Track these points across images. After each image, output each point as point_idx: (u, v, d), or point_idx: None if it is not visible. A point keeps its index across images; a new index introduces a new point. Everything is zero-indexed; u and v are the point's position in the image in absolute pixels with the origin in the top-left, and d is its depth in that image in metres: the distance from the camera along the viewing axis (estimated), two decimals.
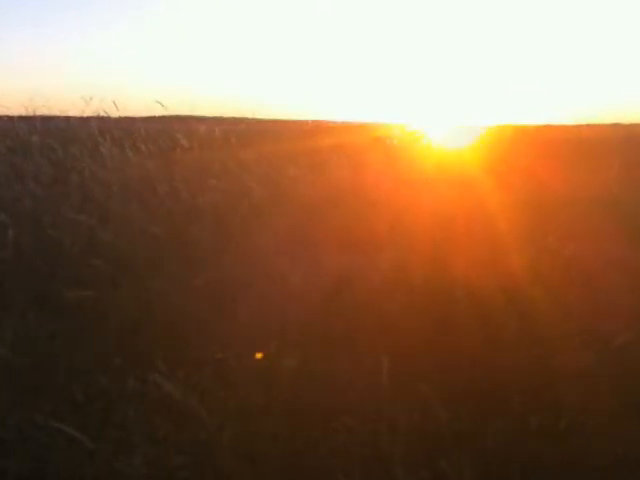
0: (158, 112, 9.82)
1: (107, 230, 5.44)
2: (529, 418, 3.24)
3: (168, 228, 5.60)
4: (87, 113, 10.46)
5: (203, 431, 3.16)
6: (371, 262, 5.03)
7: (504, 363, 3.72)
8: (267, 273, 4.88)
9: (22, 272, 5.01)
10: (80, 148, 8.18)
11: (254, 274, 4.87)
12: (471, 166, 9.04)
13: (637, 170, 8.66)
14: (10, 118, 10.58)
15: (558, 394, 3.45)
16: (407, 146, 11.85)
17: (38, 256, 5.24)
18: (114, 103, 9.63)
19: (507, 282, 4.56)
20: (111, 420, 3.30)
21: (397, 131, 13.64)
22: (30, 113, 10.96)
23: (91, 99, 10.16)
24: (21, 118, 10.70)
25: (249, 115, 14.24)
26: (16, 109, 11.20)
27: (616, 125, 20.63)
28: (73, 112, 11.31)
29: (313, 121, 17.48)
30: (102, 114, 10.13)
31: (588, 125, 19.38)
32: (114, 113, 9.94)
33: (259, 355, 3.78)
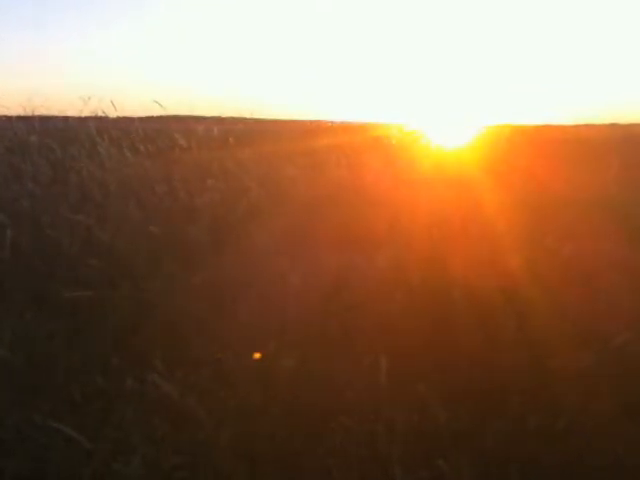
0: (156, 112, 9.84)
1: (105, 230, 5.44)
2: (528, 418, 3.24)
3: (166, 228, 5.60)
4: (85, 113, 10.50)
5: (201, 431, 3.17)
6: (370, 262, 5.03)
7: (503, 363, 3.72)
8: (266, 273, 4.89)
9: (20, 272, 5.01)
10: (78, 148, 8.20)
11: (253, 274, 4.87)
12: (470, 166, 9.04)
13: (636, 170, 8.66)
14: (8, 118, 10.60)
15: (556, 394, 3.45)
16: (406, 146, 11.86)
17: (36, 256, 5.25)
18: (112, 103, 9.65)
19: (506, 282, 4.56)
20: (109, 420, 3.30)
21: (396, 131, 13.64)
22: (28, 113, 10.99)
23: (89, 99, 10.19)
24: (19, 118, 10.72)
25: (247, 115, 14.27)
26: (14, 109, 11.23)
27: (614, 125, 20.64)
28: (71, 112, 11.35)
29: (312, 121, 17.52)
30: (100, 114, 10.17)
31: (586, 125, 19.43)
32: (112, 113, 9.97)
33: (257, 355, 3.78)
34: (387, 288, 4.59)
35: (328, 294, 4.57)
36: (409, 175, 8.18)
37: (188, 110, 13.67)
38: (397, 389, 3.40)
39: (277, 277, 4.75)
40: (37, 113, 11.07)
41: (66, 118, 11.23)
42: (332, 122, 16.40)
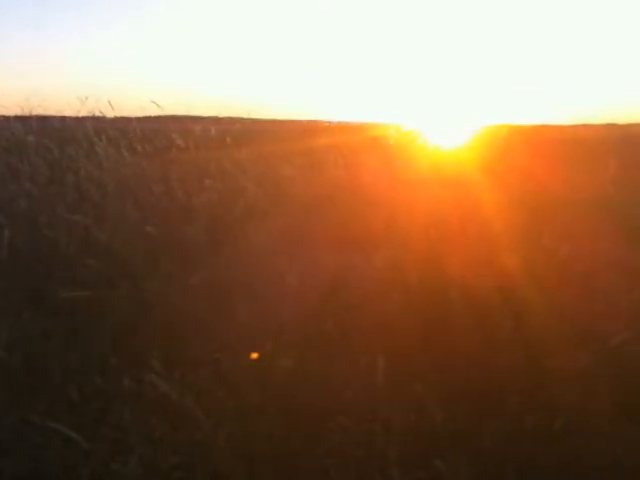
0: (154, 112, 9.83)
1: (103, 230, 5.44)
2: (525, 418, 3.24)
3: (164, 228, 5.60)
4: (83, 113, 10.48)
5: (199, 431, 3.17)
6: (367, 262, 5.03)
7: (500, 363, 3.73)
8: (263, 273, 4.89)
9: (18, 272, 5.01)
10: (76, 148, 8.18)
11: (250, 274, 4.87)
12: (467, 166, 9.04)
13: (633, 170, 8.66)
14: (6, 118, 10.59)
15: (554, 394, 3.45)
16: (403, 146, 11.85)
17: (34, 256, 5.25)
18: (109, 103, 9.65)
19: (503, 282, 4.56)
20: (107, 420, 3.30)
21: (393, 131, 13.63)
22: (26, 113, 11.00)
23: (87, 99, 10.18)
24: (17, 118, 10.70)
25: (245, 115, 14.26)
26: (12, 109, 11.22)
27: (612, 125, 20.67)
28: (69, 112, 11.34)
29: (309, 121, 17.51)
30: (98, 114, 10.15)
31: (584, 125, 19.45)
32: (110, 113, 9.97)
33: (255, 355, 3.78)
34: (384, 288, 4.59)
35: (326, 294, 4.58)
36: (407, 175, 8.17)
37: (185, 110, 13.65)
38: (394, 389, 3.40)
39: (275, 277, 4.75)
40: (34, 113, 11.08)
41: (63, 118, 11.21)
42: (329, 122, 16.41)
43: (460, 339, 3.96)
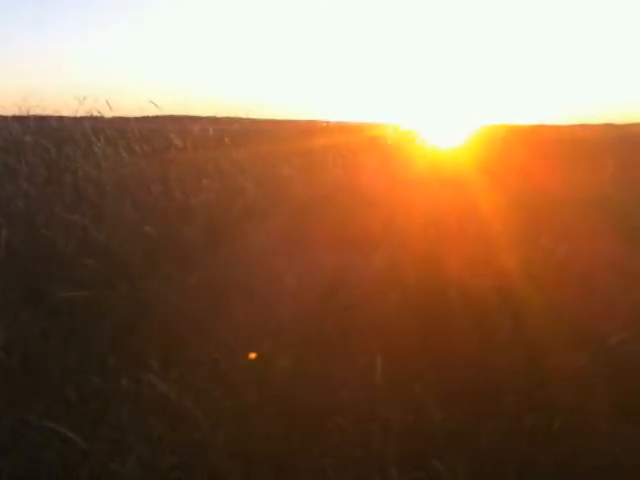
0: (152, 112, 9.81)
1: (101, 230, 5.44)
2: (523, 418, 3.24)
3: (162, 228, 5.60)
4: (80, 113, 10.47)
5: (197, 431, 3.16)
6: (365, 262, 5.03)
7: (498, 363, 3.73)
8: (262, 273, 4.89)
9: (15, 272, 5.01)
10: (74, 148, 8.18)
11: (249, 274, 4.87)
12: (465, 166, 9.04)
13: (631, 170, 8.67)
14: (3, 118, 10.58)
15: (552, 394, 3.45)
16: (402, 146, 11.84)
17: (31, 256, 5.24)
18: (107, 103, 9.64)
19: (501, 282, 4.57)
20: (105, 420, 3.30)
21: (391, 131, 13.62)
22: (24, 113, 10.97)
23: (84, 99, 10.17)
24: (15, 118, 10.69)
25: (243, 115, 14.22)
26: (10, 109, 11.20)
27: (609, 125, 20.69)
28: (66, 112, 11.31)
29: (308, 121, 17.47)
30: (95, 114, 10.13)
31: (582, 125, 19.45)
32: (108, 113, 9.95)
33: (253, 355, 3.78)
34: (383, 288, 4.59)
35: (324, 294, 4.57)
36: (405, 175, 8.17)
37: (184, 110, 13.65)
38: (393, 389, 3.40)
39: (273, 277, 4.75)
40: (32, 113, 11.06)
41: (61, 118, 11.19)
42: (328, 122, 16.35)
43: (458, 339, 3.96)
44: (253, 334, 3.96)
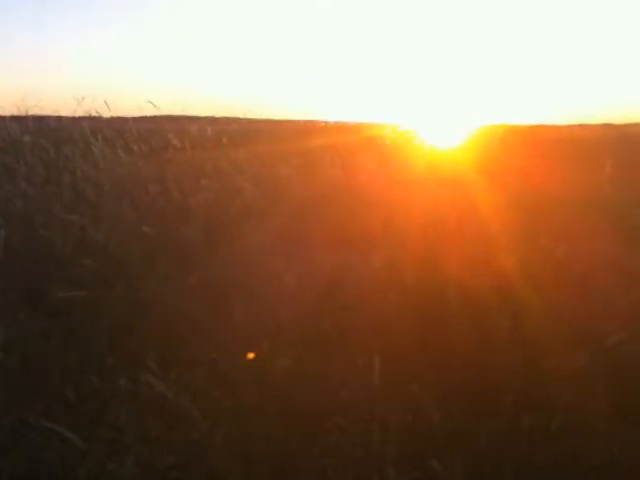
0: (150, 112, 9.82)
1: (99, 230, 5.44)
2: (522, 418, 3.24)
3: (160, 228, 5.60)
4: (79, 113, 10.48)
5: (196, 431, 3.16)
6: (364, 262, 5.03)
7: (497, 363, 3.73)
8: (260, 273, 4.88)
9: (14, 272, 5.01)
10: (72, 148, 8.18)
11: (247, 274, 4.87)
12: (463, 166, 9.03)
13: (630, 170, 8.67)
14: (2, 118, 10.57)
15: (551, 394, 3.45)
16: (400, 146, 11.83)
17: (30, 256, 5.24)
18: (106, 103, 9.64)
19: (500, 282, 4.56)
20: (103, 420, 3.30)
21: (390, 131, 13.61)
22: (22, 113, 10.98)
23: (83, 99, 10.18)
24: (13, 118, 10.69)
25: (241, 115, 14.22)
26: (8, 109, 11.21)
27: (608, 125, 20.68)
28: (65, 112, 11.32)
29: (306, 121, 17.47)
30: (94, 114, 10.15)
31: (580, 125, 19.40)
32: (106, 113, 9.95)
33: (252, 355, 3.78)
34: (381, 288, 4.59)
35: (322, 294, 4.57)
36: (403, 175, 8.17)
37: (182, 110, 13.63)
38: (391, 389, 3.40)
39: (271, 277, 4.74)
40: (31, 113, 11.07)
41: (60, 118, 11.19)
42: (326, 122, 16.33)
43: (457, 339, 3.96)
44: (251, 334, 3.95)
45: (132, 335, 4.12)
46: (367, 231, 5.64)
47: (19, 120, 10.40)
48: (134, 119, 10.76)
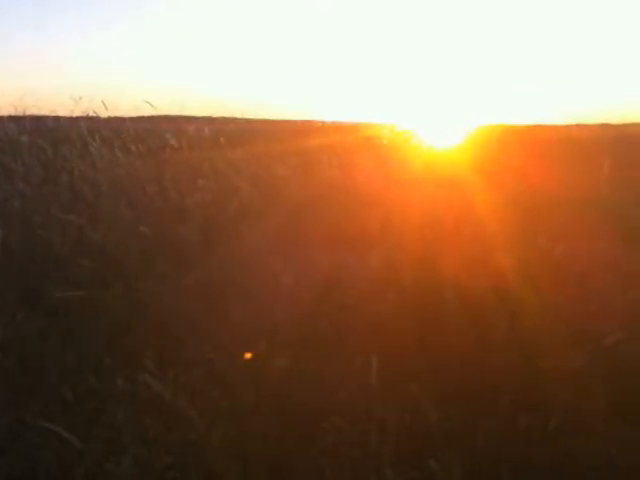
0: (147, 112, 9.81)
1: (96, 230, 5.44)
2: (519, 418, 3.24)
3: (157, 228, 5.59)
4: (77, 113, 10.47)
5: (193, 431, 3.16)
6: (361, 262, 5.03)
7: (494, 363, 3.72)
8: (257, 273, 4.88)
9: (11, 272, 5.00)
10: (69, 148, 8.18)
11: (244, 274, 4.87)
12: (461, 166, 9.03)
13: (627, 170, 8.68)
14: (0, 118, 10.56)
15: (548, 394, 3.45)
16: (397, 146, 11.82)
17: (27, 256, 5.24)
18: (103, 103, 9.63)
19: (498, 282, 4.56)
20: (101, 420, 3.30)
21: (387, 131, 13.60)
22: (20, 113, 10.98)
23: (80, 99, 10.17)
24: (11, 118, 10.68)
25: (238, 115, 14.23)
26: (6, 109, 11.21)
27: (606, 125, 20.68)
28: (62, 112, 11.32)
29: (303, 121, 17.45)
30: (91, 114, 10.14)
31: (578, 125, 19.41)
32: (103, 113, 9.95)
33: (249, 355, 3.77)
34: (379, 288, 4.59)
35: (320, 294, 4.57)
36: (401, 175, 8.16)
37: (179, 110, 13.63)
38: (389, 389, 3.40)
39: (269, 277, 4.74)
40: (28, 113, 11.07)
41: (57, 118, 11.21)
42: (323, 122, 16.31)
43: (455, 339, 3.96)
44: (249, 334, 3.95)
45: (129, 335, 4.12)
46: (364, 231, 5.64)
47: (17, 120, 10.40)
48: (131, 119, 10.75)
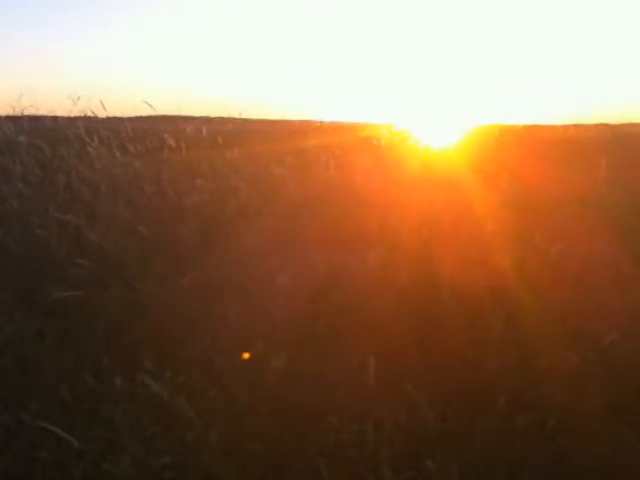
0: (145, 112, 9.79)
1: (94, 230, 5.43)
2: (516, 418, 3.25)
3: (156, 228, 5.59)
4: (74, 113, 10.44)
5: (191, 431, 3.17)
6: (359, 262, 5.03)
7: (491, 363, 3.73)
8: (255, 273, 4.88)
9: (9, 272, 5.00)
10: (67, 148, 8.17)
11: (242, 274, 4.87)
12: (459, 166, 9.03)
13: (625, 170, 8.69)
14: None
15: (545, 394, 3.46)
16: (395, 146, 11.82)
17: (25, 256, 5.24)
18: (101, 103, 9.62)
19: (495, 282, 4.57)
20: (99, 420, 3.30)
21: (385, 131, 13.59)
22: (18, 113, 10.95)
23: (78, 99, 10.14)
24: (8, 118, 10.67)
25: (236, 115, 14.18)
26: (3, 109, 11.20)
27: (603, 125, 20.67)
28: (60, 112, 11.31)
29: (301, 121, 17.45)
30: (89, 114, 10.11)
31: (575, 125, 19.40)
32: (101, 113, 9.92)
33: (247, 355, 3.78)
34: (376, 288, 4.59)
35: (317, 294, 4.58)
36: (398, 175, 8.16)
37: (177, 110, 13.62)
38: (386, 389, 3.41)
39: (267, 277, 4.74)
40: (26, 113, 11.04)
41: (55, 118, 11.19)
42: (321, 122, 16.30)
43: (452, 339, 3.96)
44: (247, 334, 3.96)
45: (128, 335, 4.12)
46: (362, 231, 5.64)
47: (15, 120, 10.38)
48: (130, 119, 10.74)
